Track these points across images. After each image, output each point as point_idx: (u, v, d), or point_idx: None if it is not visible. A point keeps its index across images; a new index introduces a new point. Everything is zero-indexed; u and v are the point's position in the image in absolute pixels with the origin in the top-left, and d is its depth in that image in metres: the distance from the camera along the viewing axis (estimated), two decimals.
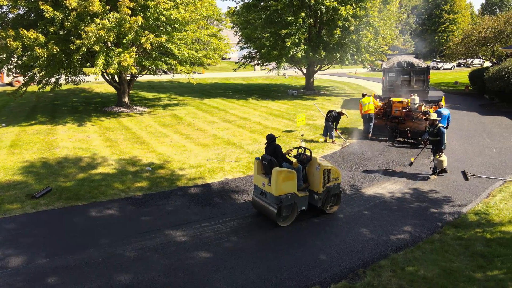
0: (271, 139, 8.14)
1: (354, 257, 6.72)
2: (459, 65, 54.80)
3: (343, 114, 14.98)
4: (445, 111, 13.82)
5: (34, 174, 10.30)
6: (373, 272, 6.24)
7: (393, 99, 15.98)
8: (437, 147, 10.72)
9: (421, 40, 65.29)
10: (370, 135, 15.65)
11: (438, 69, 53.71)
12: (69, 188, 9.42)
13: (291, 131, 16.24)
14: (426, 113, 12.08)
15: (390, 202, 9.15)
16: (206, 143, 14.08)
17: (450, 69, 53.92)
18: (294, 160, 8.55)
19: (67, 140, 13.96)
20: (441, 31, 67.31)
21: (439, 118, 11.51)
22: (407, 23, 67.40)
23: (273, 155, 7.93)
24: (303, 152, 8.60)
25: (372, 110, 15.56)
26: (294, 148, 8.94)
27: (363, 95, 16.00)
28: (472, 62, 48.40)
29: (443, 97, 15.87)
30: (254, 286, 5.85)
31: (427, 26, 69.01)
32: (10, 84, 30.27)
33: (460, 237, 7.45)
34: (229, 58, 57.90)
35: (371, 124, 15.65)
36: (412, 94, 16.05)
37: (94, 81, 26.57)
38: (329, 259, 6.64)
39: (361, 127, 16.55)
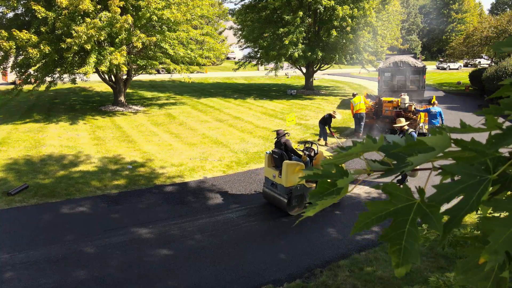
0: (280, 134, 8.64)
1: (314, 256, 6.69)
2: (466, 65, 54.05)
3: (334, 117, 14.89)
4: (434, 109, 13.69)
5: (15, 171, 10.45)
6: (330, 272, 6.22)
7: (383, 98, 15.89)
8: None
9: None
10: (360, 134, 15.58)
11: (445, 69, 53.06)
12: (46, 185, 9.54)
13: None
14: (396, 119, 11.86)
15: (365, 202, 9.07)
16: (193, 142, 14.13)
17: (457, 69, 53.21)
18: (302, 153, 8.88)
19: (56, 138, 14.13)
20: (449, 30, 66.52)
21: (407, 123, 11.36)
22: (414, 23, 66.77)
23: (283, 149, 8.36)
24: (310, 146, 9.09)
25: (363, 109, 15.48)
26: (302, 142, 9.51)
27: (354, 95, 15.94)
28: (479, 62, 47.66)
29: (434, 96, 15.69)
30: (207, 284, 5.87)
31: (434, 25, 68.26)
32: (13, 83, 30.71)
33: (426, 240, 7.36)
34: (234, 58, 57.95)
35: (362, 123, 15.57)
36: (402, 94, 15.92)
37: (95, 80, 26.85)
38: (288, 258, 6.63)
39: (353, 126, 16.48)
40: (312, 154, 8.83)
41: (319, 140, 14.77)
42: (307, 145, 9.18)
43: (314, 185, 8.40)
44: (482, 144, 0.92)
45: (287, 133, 9.09)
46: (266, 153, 8.76)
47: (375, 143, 1.06)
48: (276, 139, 8.74)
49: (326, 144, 14.50)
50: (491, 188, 0.89)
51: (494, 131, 0.92)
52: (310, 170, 1.15)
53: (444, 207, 0.95)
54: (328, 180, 1.10)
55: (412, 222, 0.94)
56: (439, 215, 0.91)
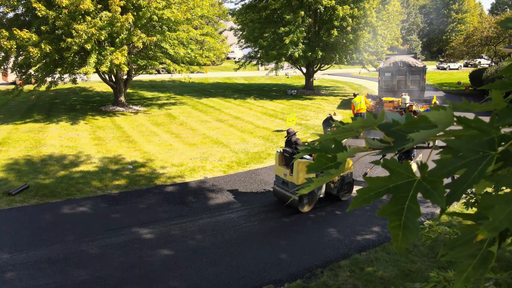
0: (291, 133, 8.82)
1: (315, 257, 6.69)
2: (466, 65, 54.00)
3: (333, 119, 14.83)
4: None
5: (16, 171, 10.45)
6: (330, 272, 6.21)
7: (384, 98, 15.91)
8: (406, 154, 10.34)
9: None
10: (361, 134, 15.54)
11: (445, 69, 53.01)
12: (47, 185, 9.54)
13: (281, 130, 16.20)
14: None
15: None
16: (194, 142, 14.13)
17: (457, 69, 53.18)
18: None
19: (57, 138, 14.13)
20: (449, 30, 66.52)
21: None
22: (414, 23, 66.78)
23: (294, 148, 8.52)
24: None
25: (364, 109, 15.46)
26: (312, 141, 9.27)
27: (355, 95, 15.94)
28: (479, 62, 47.61)
29: (435, 96, 15.70)
30: (208, 284, 5.87)
31: (434, 25, 68.24)
32: (14, 83, 30.69)
33: (428, 238, 7.36)
34: (234, 58, 57.92)
35: None
36: (402, 93, 15.93)
37: (95, 80, 26.85)
38: (289, 258, 6.62)
39: None
40: None
41: None
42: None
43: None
44: (485, 122, 0.90)
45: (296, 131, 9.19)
46: (277, 151, 8.87)
47: (376, 119, 1.05)
48: (287, 138, 8.90)
49: None
50: (493, 165, 0.87)
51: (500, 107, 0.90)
52: (308, 146, 1.14)
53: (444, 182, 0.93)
54: (328, 155, 1.08)
55: (412, 198, 0.93)
56: (442, 189, 0.89)
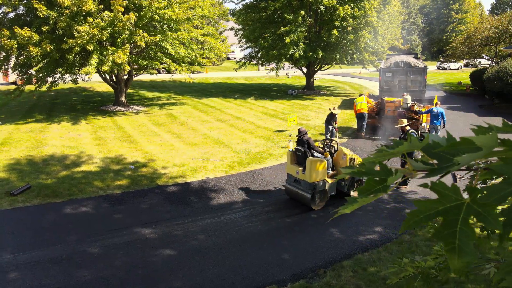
0: (302, 132, 8.99)
1: (317, 257, 6.69)
2: (466, 66, 53.99)
3: (334, 113, 14.83)
4: (437, 109, 13.65)
5: (18, 172, 10.45)
6: (333, 272, 6.22)
7: (386, 98, 15.90)
8: (409, 154, 10.38)
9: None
10: (363, 134, 15.55)
11: (445, 69, 53.02)
12: (49, 185, 9.54)
13: (282, 130, 16.22)
14: (398, 119, 11.80)
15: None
16: (195, 142, 14.13)
17: (457, 69, 53.20)
18: (322, 151, 9.28)
19: (58, 138, 14.13)
20: (449, 30, 66.51)
21: (408, 123, 11.21)
22: (415, 23, 66.76)
23: (305, 147, 8.69)
24: (330, 143, 9.53)
25: (365, 109, 15.44)
26: (322, 140, 9.96)
27: (360, 96, 15.92)
28: (480, 62, 47.56)
29: (436, 96, 15.68)
30: (211, 284, 5.88)
31: (435, 25, 68.23)
32: (14, 83, 30.68)
33: (430, 238, 7.37)
34: (235, 58, 57.91)
35: (364, 123, 15.54)
36: (404, 93, 15.93)
37: (96, 80, 26.85)
38: (292, 258, 6.63)
39: (355, 126, 16.49)
40: (333, 150, 9.27)
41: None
42: (327, 142, 9.64)
43: (335, 180, 8.82)
44: None
45: (289, 134, 9.21)
46: (289, 150, 9.02)
47: (420, 143, 1.07)
48: (298, 137, 9.06)
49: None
50: None
51: None
52: (351, 168, 1.16)
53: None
54: (376, 178, 1.11)
55: (464, 221, 0.93)
56: (496, 214, 0.89)
